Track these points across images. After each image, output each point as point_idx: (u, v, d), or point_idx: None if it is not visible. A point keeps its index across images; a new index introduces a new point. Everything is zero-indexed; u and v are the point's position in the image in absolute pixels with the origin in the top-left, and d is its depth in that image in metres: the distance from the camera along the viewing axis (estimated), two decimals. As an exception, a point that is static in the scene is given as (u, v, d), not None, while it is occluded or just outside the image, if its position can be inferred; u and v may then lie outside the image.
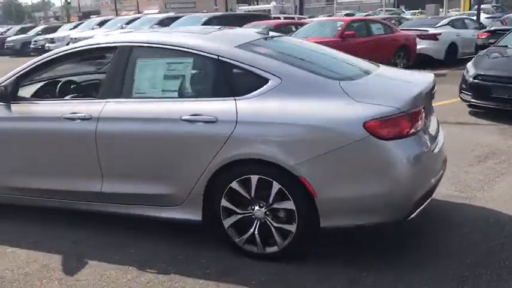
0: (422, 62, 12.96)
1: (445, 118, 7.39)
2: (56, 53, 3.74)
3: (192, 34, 3.72)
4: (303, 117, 3.00)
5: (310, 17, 23.61)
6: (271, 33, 3.89)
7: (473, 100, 7.41)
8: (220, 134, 3.12)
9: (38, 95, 4.06)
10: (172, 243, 3.53)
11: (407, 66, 12.26)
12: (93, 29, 19.50)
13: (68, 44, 3.51)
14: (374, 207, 3.01)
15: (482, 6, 21.32)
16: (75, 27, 22.00)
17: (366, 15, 27.98)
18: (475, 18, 17.07)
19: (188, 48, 3.36)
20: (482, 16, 20.41)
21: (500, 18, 19.26)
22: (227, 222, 3.27)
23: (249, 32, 4.03)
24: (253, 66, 3.19)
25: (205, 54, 3.30)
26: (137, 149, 3.38)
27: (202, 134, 3.18)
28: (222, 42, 3.43)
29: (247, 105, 3.12)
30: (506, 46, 8.19)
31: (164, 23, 15.65)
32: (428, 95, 3.39)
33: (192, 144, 3.22)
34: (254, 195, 3.16)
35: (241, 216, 3.23)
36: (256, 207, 3.18)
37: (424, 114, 3.15)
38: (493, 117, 7.16)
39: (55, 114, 3.58)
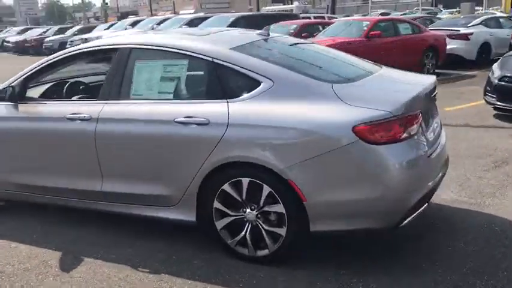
0: (453, 62, 12.66)
1: (468, 121, 7.21)
2: (61, 55, 3.84)
3: (188, 36, 3.75)
4: (293, 120, 2.98)
5: (345, 17, 23.38)
6: (272, 34, 3.87)
7: (498, 103, 7.17)
8: (212, 137, 3.13)
9: (45, 96, 4.18)
10: (169, 243, 3.56)
11: (436, 67, 12.00)
12: (126, 29, 19.91)
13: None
14: (365, 213, 2.96)
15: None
16: (109, 27, 22.50)
17: (402, 15, 27.48)
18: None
19: (183, 50, 3.38)
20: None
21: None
22: (220, 224, 3.28)
23: (249, 33, 4.02)
24: (246, 69, 3.19)
25: (200, 56, 3.32)
26: (134, 150, 3.43)
27: (195, 136, 3.20)
28: (217, 44, 3.44)
29: (239, 108, 3.12)
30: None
31: (194, 23, 15.79)
32: (427, 98, 3.31)
33: (186, 146, 3.24)
34: (245, 198, 3.15)
35: (233, 218, 3.23)
36: (248, 210, 3.18)
37: (420, 118, 3.06)
38: (518, 121, 6.93)
39: (58, 114, 3.68)
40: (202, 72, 3.37)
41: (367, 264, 3.20)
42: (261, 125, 3.04)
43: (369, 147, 2.85)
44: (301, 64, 3.45)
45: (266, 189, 3.07)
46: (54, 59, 3.85)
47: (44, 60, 3.90)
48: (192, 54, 3.35)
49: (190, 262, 3.30)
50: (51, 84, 4.33)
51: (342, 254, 3.34)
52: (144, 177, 3.46)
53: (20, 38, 29.84)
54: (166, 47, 3.47)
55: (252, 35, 3.85)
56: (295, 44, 3.95)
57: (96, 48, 3.80)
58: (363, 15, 34.13)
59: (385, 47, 10.92)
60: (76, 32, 25.43)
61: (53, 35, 27.61)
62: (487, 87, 7.41)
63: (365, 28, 11.08)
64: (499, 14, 17.59)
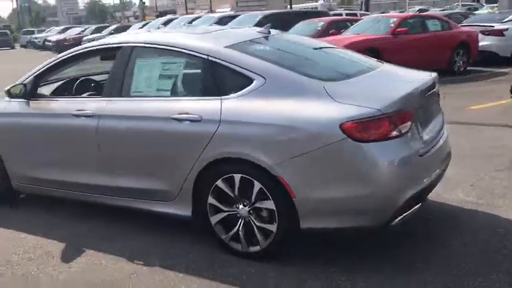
0: (486, 59, 12.27)
1: (492, 120, 7.00)
2: (68, 54, 3.98)
3: (186, 34, 3.81)
4: (282, 117, 2.99)
5: (381, 13, 22.99)
6: (272, 32, 3.88)
7: (524, 101, 6.93)
8: (204, 133, 3.18)
9: (57, 93, 4.34)
10: (168, 237, 3.63)
11: (468, 64, 11.68)
12: (158, 27, 20.23)
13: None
14: (353, 211, 2.95)
15: None
16: (143, 26, 22.92)
17: (441, 11, 26.79)
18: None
19: (180, 48, 3.45)
20: None
21: None
22: (214, 219, 3.33)
23: (249, 31, 4.05)
24: (240, 66, 3.22)
25: (196, 53, 3.38)
26: (133, 146, 3.52)
27: (189, 132, 3.26)
28: (212, 42, 3.48)
29: (231, 105, 3.16)
30: None
31: (223, 21, 15.89)
32: (423, 95, 3.25)
33: (181, 142, 3.31)
34: (238, 194, 3.19)
35: (226, 214, 3.28)
36: (241, 206, 3.22)
37: (413, 116, 3.02)
38: (545, 120, 6.68)
39: (65, 111, 3.82)
40: (198, 70, 3.43)
41: (357, 262, 3.18)
42: (252, 121, 3.07)
43: (356, 144, 2.83)
44: (296, 62, 3.45)
45: (257, 186, 3.09)
46: (62, 58, 3.99)
47: (53, 59, 4.05)
48: (189, 52, 3.41)
49: (185, 256, 3.36)
50: (63, 81, 4.49)
51: (333, 251, 3.33)
52: (143, 172, 3.55)
53: (60, 37, 30.82)
54: (164, 45, 3.54)
55: (252, 32, 3.88)
56: (296, 41, 3.95)
57: (101, 47, 3.92)
58: (400, 12, 33.53)
59: (412, 44, 10.70)
60: (112, 31, 26.02)
61: (90, 34, 28.37)
62: (514, 85, 7.18)
63: (392, 25, 10.90)
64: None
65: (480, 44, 12.02)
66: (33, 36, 38.93)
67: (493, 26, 12.72)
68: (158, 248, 3.51)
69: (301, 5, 27.36)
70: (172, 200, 3.46)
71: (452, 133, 6.22)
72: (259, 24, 13.98)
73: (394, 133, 2.89)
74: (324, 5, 26.86)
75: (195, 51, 3.39)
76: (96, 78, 4.64)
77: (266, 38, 3.76)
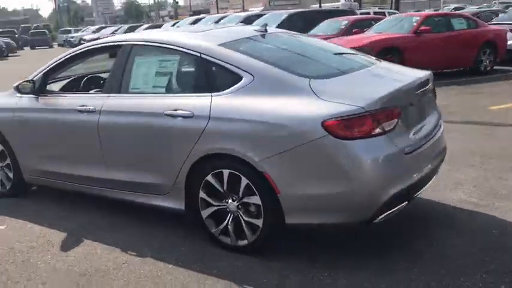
0: (516, 58, 11.95)
1: (509, 120, 6.84)
2: (74, 52, 4.15)
3: (183, 33, 3.90)
4: (268, 114, 3.04)
5: (416, 12, 22.54)
6: (269, 30, 3.93)
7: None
8: (195, 129, 3.27)
9: (64, 89, 4.51)
10: (163, 230, 3.74)
11: (495, 64, 11.40)
12: (188, 26, 20.53)
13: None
14: (336, 207, 2.98)
15: None
16: (173, 25, 23.28)
17: (478, 8, 26.08)
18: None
19: (176, 46, 3.55)
20: None
21: None
22: (205, 213, 3.41)
23: (246, 29, 4.12)
24: (230, 64, 3.29)
25: (190, 51, 3.47)
26: (130, 141, 3.65)
27: (181, 128, 3.35)
28: (206, 40, 3.56)
29: (221, 102, 3.24)
30: None
31: (249, 20, 15.98)
32: (412, 93, 3.25)
33: (174, 138, 3.41)
34: (227, 189, 3.26)
35: (216, 208, 3.36)
36: (230, 201, 3.29)
37: (398, 114, 3.02)
38: None
39: (70, 106, 3.98)
40: (191, 67, 3.52)
41: (341, 258, 3.21)
42: (239, 118, 3.13)
43: (338, 142, 2.86)
44: (286, 59, 3.50)
45: (244, 181, 3.16)
46: (69, 56, 4.16)
47: (59, 57, 4.22)
48: (183, 50, 3.51)
49: (177, 249, 3.46)
50: (72, 78, 4.66)
51: (319, 247, 3.37)
52: (140, 167, 3.67)
53: (94, 36, 31.60)
54: (161, 43, 3.65)
55: (248, 30, 3.95)
56: (292, 39, 3.99)
57: (104, 45, 4.07)
58: (434, 10, 32.83)
59: (435, 43, 10.52)
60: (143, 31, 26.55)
61: (123, 33, 29.01)
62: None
63: (414, 24, 10.75)
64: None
65: (509, 42, 11.70)
66: (70, 35, 40.10)
67: (523, 24, 12.37)
68: (153, 239, 3.62)
69: (323, 5, 27.13)
70: (166, 193, 3.56)
71: (468, 133, 6.22)
72: (284, 23, 14.05)
73: (378, 131, 2.91)
74: (345, 4, 26.62)
75: (189, 49, 3.48)
76: (103, 75, 4.80)
77: (263, 36, 3.82)
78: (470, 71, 11.32)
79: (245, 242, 3.28)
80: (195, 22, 20.50)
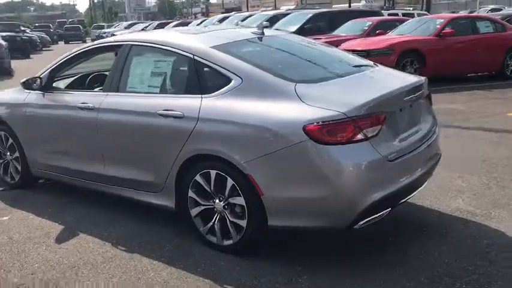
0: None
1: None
2: (78, 50, 4.29)
3: (179, 34, 3.97)
4: (253, 117, 3.09)
5: (451, 13, 22.02)
6: (267, 32, 3.95)
7: None
8: (185, 129, 3.34)
9: (69, 86, 4.65)
10: (156, 227, 3.82)
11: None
12: (213, 24, 20.66)
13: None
14: (316, 211, 3.00)
15: None
16: (200, 23, 23.49)
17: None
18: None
19: (171, 47, 3.63)
20: None
21: None
22: (193, 212, 3.48)
23: (243, 31, 4.16)
24: (220, 66, 3.35)
25: (184, 53, 3.54)
26: (127, 139, 3.75)
27: (172, 128, 3.43)
28: (200, 42, 3.62)
29: (210, 103, 3.29)
30: None
31: (274, 19, 15.99)
32: (401, 99, 3.23)
33: (165, 137, 3.49)
34: (214, 189, 3.32)
35: (204, 207, 3.42)
36: (217, 201, 3.34)
37: (383, 121, 3.01)
38: None
39: (73, 103, 4.11)
40: (184, 68, 3.59)
41: (323, 262, 3.23)
42: (225, 120, 3.18)
43: (319, 146, 2.88)
44: (277, 62, 3.53)
45: (230, 182, 3.21)
46: (74, 54, 4.31)
47: (65, 55, 4.37)
48: (178, 51, 3.58)
49: (166, 246, 3.54)
50: (78, 76, 4.80)
51: (302, 250, 3.41)
52: (134, 164, 3.76)
53: (125, 32, 32.19)
54: (157, 44, 3.74)
55: (245, 33, 3.99)
56: (289, 42, 4.01)
57: (106, 44, 4.20)
58: (469, 12, 32.06)
59: (459, 46, 10.34)
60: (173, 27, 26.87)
61: (151, 30, 29.42)
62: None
63: (438, 26, 10.56)
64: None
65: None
66: (102, 31, 40.88)
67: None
68: (144, 236, 3.71)
69: (342, 5, 26.86)
70: (158, 192, 3.65)
71: (480, 139, 6.10)
72: (309, 22, 14.02)
73: (359, 137, 2.91)
74: (365, 6, 26.35)
75: (183, 51, 3.55)
76: (98, 73, 4.91)
77: (259, 38, 3.85)
78: (495, 76, 11.06)
79: (230, 241, 3.34)
80: (222, 20, 20.65)
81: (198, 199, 3.42)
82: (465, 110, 7.98)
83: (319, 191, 2.93)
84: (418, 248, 3.38)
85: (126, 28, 35.35)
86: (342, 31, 13.05)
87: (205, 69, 3.43)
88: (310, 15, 14.39)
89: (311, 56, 3.86)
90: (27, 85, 4.41)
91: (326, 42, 11.66)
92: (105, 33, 39.00)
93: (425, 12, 19.77)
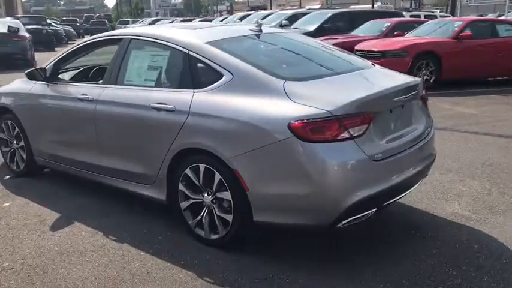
0: None
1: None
2: (82, 43, 4.38)
3: (176, 29, 3.98)
4: (241, 113, 3.10)
5: (479, 16, 21.56)
6: (265, 29, 3.96)
7: None
8: (176, 123, 3.38)
9: (74, 78, 4.74)
10: (149, 219, 3.88)
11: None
12: (235, 21, 20.76)
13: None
14: (299, 208, 3.00)
15: None
16: (222, 20, 23.61)
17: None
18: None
19: (167, 42, 3.67)
20: None
21: None
22: (183, 205, 3.52)
23: (241, 28, 4.17)
24: (213, 61, 3.37)
25: (179, 47, 3.58)
26: (122, 130, 3.81)
27: (164, 121, 3.47)
28: (196, 37, 3.65)
29: (201, 98, 3.32)
30: None
31: (294, 18, 15.98)
32: (391, 99, 3.21)
33: (157, 130, 3.53)
34: (202, 183, 3.35)
35: (193, 201, 3.45)
36: (206, 195, 3.37)
37: (370, 120, 3.00)
38: None
39: (73, 94, 4.20)
40: (179, 63, 3.61)
41: (307, 260, 3.23)
42: (214, 115, 3.21)
43: (303, 144, 2.88)
44: (269, 59, 3.55)
45: (218, 177, 3.24)
46: (77, 47, 4.40)
47: (69, 48, 4.46)
48: (173, 45, 3.62)
49: (156, 237, 3.59)
50: (83, 68, 4.89)
51: (292, 248, 3.40)
52: (129, 156, 3.82)
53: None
54: (155, 38, 3.79)
55: (243, 30, 4.00)
56: (285, 40, 4.01)
57: (108, 37, 4.27)
58: (498, 16, 31.39)
59: (477, 49, 10.16)
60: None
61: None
62: None
63: (456, 28, 10.39)
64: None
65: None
66: (127, 26, 41.40)
67: None
68: (136, 227, 3.77)
69: (357, 6, 26.57)
70: (151, 184, 3.70)
71: (487, 144, 6.00)
72: (327, 22, 13.95)
73: (344, 135, 2.90)
74: (381, 7, 26.08)
75: (178, 45, 3.59)
76: (99, 66, 4.97)
77: (257, 36, 3.86)
78: (516, 81, 10.85)
79: (217, 236, 3.36)
80: (243, 18, 20.71)
81: (187, 192, 3.46)
82: (478, 114, 7.85)
83: (302, 188, 2.93)
84: (407, 250, 3.36)
85: (150, 24, 35.63)
86: (360, 31, 12.96)
87: (199, 64, 3.46)
88: (329, 14, 14.34)
89: (307, 54, 3.86)
90: (32, 75, 4.52)
91: (342, 42, 11.69)
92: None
93: (449, 15, 19.44)
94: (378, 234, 3.66)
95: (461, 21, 10.92)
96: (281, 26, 15.26)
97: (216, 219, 3.34)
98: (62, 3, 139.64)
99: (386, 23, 12.75)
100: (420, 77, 9.98)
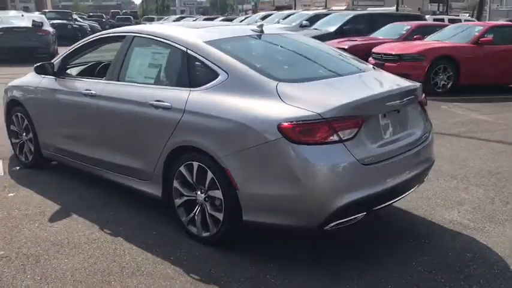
0: None
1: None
2: (88, 39, 4.49)
3: (177, 28, 4.02)
4: (233, 112, 3.13)
5: (508, 21, 21.09)
6: (267, 30, 3.96)
7: None
8: (172, 121, 3.42)
9: (80, 74, 4.83)
10: (148, 214, 3.93)
11: None
12: (256, 22, 20.77)
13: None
14: (286, 209, 3.01)
15: None
16: (243, 19, 23.66)
17: None
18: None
19: (168, 40, 3.72)
20: None
21: None
22: (177, 202, 3.56)
23: (242, 28, 4.20)
24: (210, 61, 3.40)
25: (178, 46, 3.62)
26: (122, 126, 3.88)
27: (161, 118, 3.52)
28: (195, 36, 3.68)
29: (196, 96, 3.36)
30: None
31: (314, 19, 15.91)
32: (385, 103, 3.18)
33: (154, 127, 3.58)
34: (196, 181, 3.39)
35: (186, 198, 3.49)
36: (199, 192, 3.41)
37: (361, 124, 2.98)
38: None
39: (78, 89, 4.29)
40: (178, 61, 3.66)
41: (297, 262, 3.23)
42: (209, 114, 3.24)
43: (291, 145, 2.89)
44: (266, 60, 3.56)
45: (210, 175, 3.27)
46: (84, 43, 4.49)
47: (76, 44, 4.56)
48: (173, 44, 3.67)
49: (150, 233, 3.64)
50: (90, 64, 4.98)
51: (280, 247, 3.42)
52: (128, 152, 3.88)
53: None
54: (156, 36, 3.84)
55: (244, 30, 4.03)
56: (287, 41, 4.01)
57: (113, 34, 4.35)
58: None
59: (498, 55, 9.97)
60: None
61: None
62: None
63: (476, 33, 10.21)
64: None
65: None
66: (152, 23, 41.81)
67: None
68: (132, 221, 3.83)
69: (372, 8, 26.23)
70: (148, 180, 3.75)
71: (498, 153, 5.89)
72: (347, 24, 13.86)
73: (333, 138, 2.90)
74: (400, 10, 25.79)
75: (178, 44, 3.64)
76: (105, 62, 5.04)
77: (258, 36, 3.88)
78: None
79: (208, 233, 3.39)
80: (264, 17, 20.72)
81: (181, 190, 3.50)
82: (492, 121, 7.71)
83: (290, 189, 2.94)
84: (397, 256, 3.34)
85: (174, 21, 35.95)
86: (379, 34, 12.83)
87: (196, 63, 3.49)
88: (350, 16, 14.23)
89: (306, 55, 3.86)
90: (40, 70, 4.62)
91: (361, 44, 11.61)
92: (154, 25, 39.89)
93: (474, 19, 19.09)
94: (370, 237, 3.64)
95: (482, 26, 10.72)
96: (301, 26, 15.23)
97: (207, 216, 3.37)
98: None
99: (406, 26, 12.60)
100: (437, 81, 9.86)
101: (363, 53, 10.81)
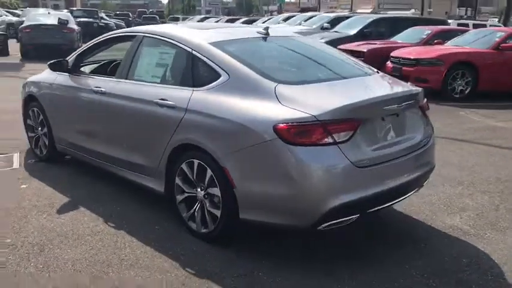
0: None
1: None
2: (101, 38, 4.62)
3: (185, 28, 4.12)
4: (232, 112, 3.21)
5: None
6: (272, 32, 4.02)
7: None
8: (175, 119, 3.52)
9: (93, 71, 4.98)
10: (152, 209, 4.04)
11: None
12: (278, 23, 20.84)
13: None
14: (280, 209, 3.08)
15: None
16: (266, 21, 23.71)
17: None
18: None
19: (174, 40, 3.82)
20: None
21: None
22: (178, 198, 3.66)
23: (248, 30, 4.27)
24: (213, 62, 3.49)
25: (184, 46, 3.73)
26: (128, 123, 4.00)
27: (165, 116, 3.62)
28: (201, 37, 3.77)
29: (198, 96, 3.45)
30: None
31: (336, 21, 15.88)
32: (382, 107, 3.22)
33: (159, 125, 3.69)
34: (196, 178, 3.48)
35: (187, 195, 3.58)
36: (199, 189, 3.50)
37: (357, 126, 3.03)
38: None
39: (89, 86, 4.43)
40: (183, 61, 3.75)
41: (292, 261, 3.28)
42: (209, 113, 3.33)
43: (286, 146, 2.95)
44: (267, 62, 3.63)
45: (209, 173, 3.36)
46: (96, 42, 4.64)
47: (90, 43, 4.70)
48: (180, 44, 3.77)
49: (153, 227, 3.74)
50: (103, 62, 5.13)
51: (277, 247, 3.47)
52: (134, 148, 4.00)
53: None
54: (164, 37, 3.95)
55: (249, 32, 4.11)
56: (291, 43, 4.07)
57: (125, 34, 4.49)
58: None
59: (518, 61, 9.80)
60: (240, 23, 27.31)
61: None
62: None
63: (497, 39, 10.06)
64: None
65: None
66: (177, 22, 42.26)
67: None
68: (137, 216, 3.94)
69: (395, 12, 25.97)
70: (151, 175, 3.86)
71: (508, 160, 5.80)
72: (369, 27, 13.81)
73: (327, 140, 2.95)
74: (415, 14, 25.43)
75: (184, 44, 3.74)
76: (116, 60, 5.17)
77: (263, 38, 3.94)
78: None
79: (206, 230, 3.48)
80: (286, 19, 20.79)
81: (183, 186, 3.59)
82: (508, 128, 7.61)
83: (284, 189, 3.00)
84: (393, 259, 3.36)
85: (198, 21, 36.27)
86: (399, 38, 12.75)
87: (200, 63, 3.59)
88: (371, 19, 14.19)
89: (309, 58, 3.91)
90: (54, 67, 4.78)
91: (380, 47, 11.56)
92: (178, 25, 40.31)
93: (500, 24, 18.77)
94: (369, 238, 3.67)
95: (504, 31, 10.57)
96: (322, 28, 15.24)
97: (206, 213, 3.45)
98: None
99: (427, 30, 12.49)
100: (455, 87, 9.76)
101: (381, 56, 10.80)
